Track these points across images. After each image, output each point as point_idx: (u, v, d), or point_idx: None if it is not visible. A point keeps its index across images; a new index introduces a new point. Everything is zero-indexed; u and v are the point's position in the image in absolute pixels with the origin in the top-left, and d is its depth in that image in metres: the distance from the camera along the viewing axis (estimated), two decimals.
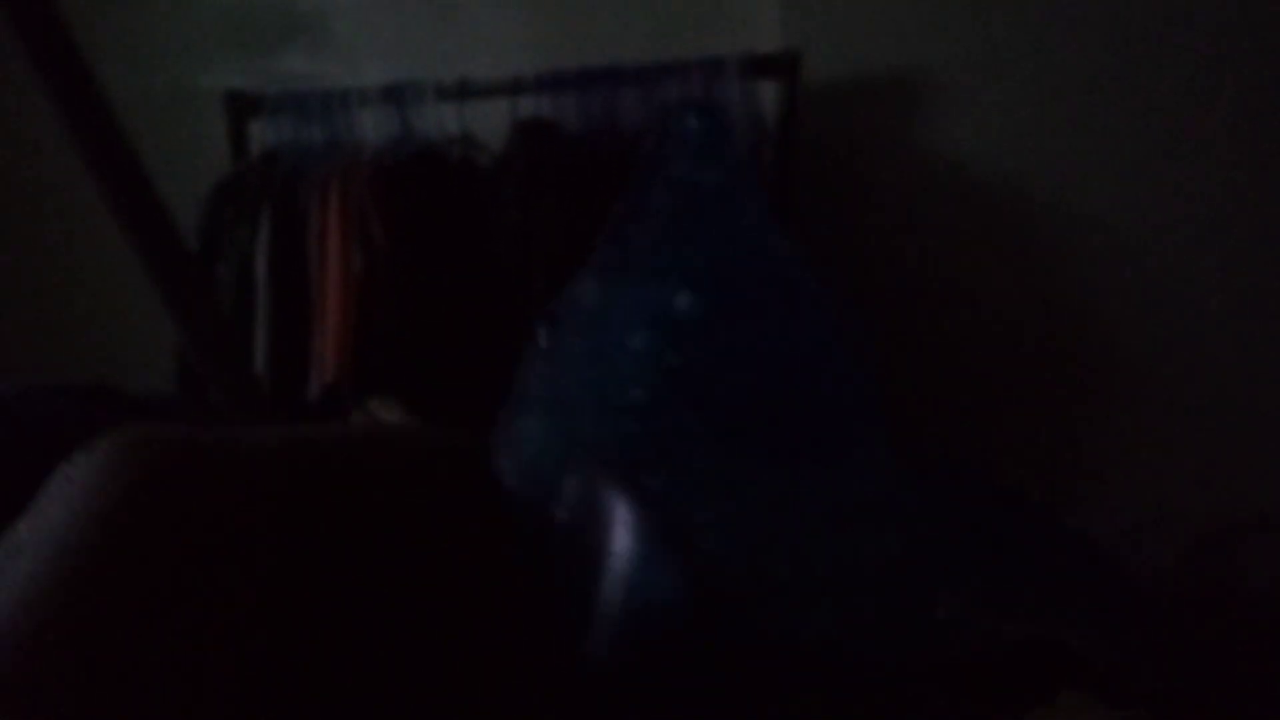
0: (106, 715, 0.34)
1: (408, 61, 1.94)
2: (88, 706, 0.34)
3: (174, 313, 0.98)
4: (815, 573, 0.54)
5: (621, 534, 0.51)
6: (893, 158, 1.73)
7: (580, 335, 0.68)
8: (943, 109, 1.70)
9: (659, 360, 0.59)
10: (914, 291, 1.73)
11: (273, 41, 2.07)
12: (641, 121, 1.67)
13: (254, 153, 1.88)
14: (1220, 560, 1.56)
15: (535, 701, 0.52)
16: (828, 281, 0.66)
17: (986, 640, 0.57)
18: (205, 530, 0.39)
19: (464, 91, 1.73)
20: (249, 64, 2.08)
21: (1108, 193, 1.69)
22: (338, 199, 1.69)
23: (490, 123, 1.74)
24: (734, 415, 0.58)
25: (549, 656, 0.53)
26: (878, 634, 0.55)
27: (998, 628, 0.59)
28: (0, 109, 1.96)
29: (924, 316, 1.74)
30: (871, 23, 1.69)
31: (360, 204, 1.67)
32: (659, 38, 1.79)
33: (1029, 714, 0.54)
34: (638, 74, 1.66)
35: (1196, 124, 1.63)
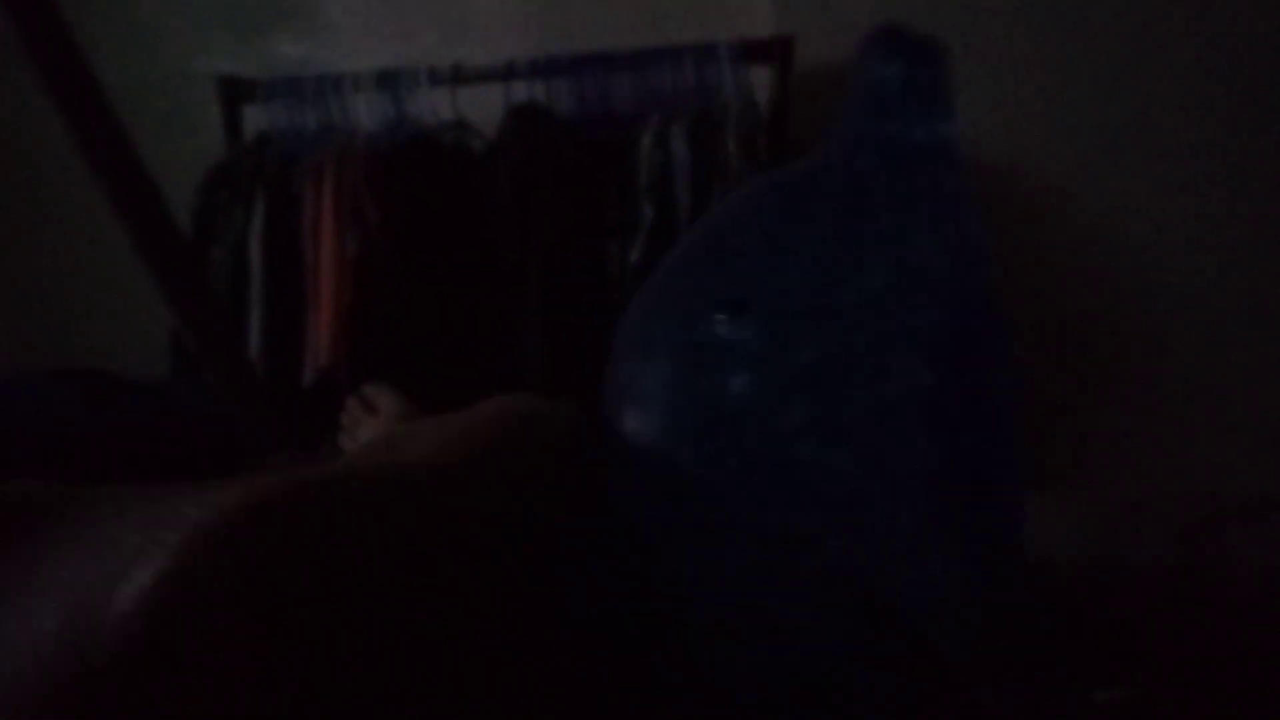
0: None
1: (401, 47, 1.94)
2: None
3: (168, 297, 0.99)
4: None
5: None
6: None
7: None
8: None
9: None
10: None
11: (267, 27, 2.07)
12: (634, 106, 1.67)
13: (248, 138, 1.88)
14: (1212, 544, 1.57)
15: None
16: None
17: None
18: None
19: (457, 77, 1.73)
20: (243, 49, 2.08)
21: (1103, 179, 1.70)
22: (332, 184, 1.69)
23: (484, 108, 1.74)
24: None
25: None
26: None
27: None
28: None
29: None
30: (864, 7, 1.68)
31: (354, 189, 1.67)
32: (652, 23, 1.79)
33: None
34: (630, 59, 1.66)
35: (1200, 113, 1.64)
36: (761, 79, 1.65)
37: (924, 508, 0.45)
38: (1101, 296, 1.73)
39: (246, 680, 0.30)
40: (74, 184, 0.97)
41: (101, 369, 0.61)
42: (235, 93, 1.89)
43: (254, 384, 1.12)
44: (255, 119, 1.88)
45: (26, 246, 2.29)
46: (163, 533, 0.32)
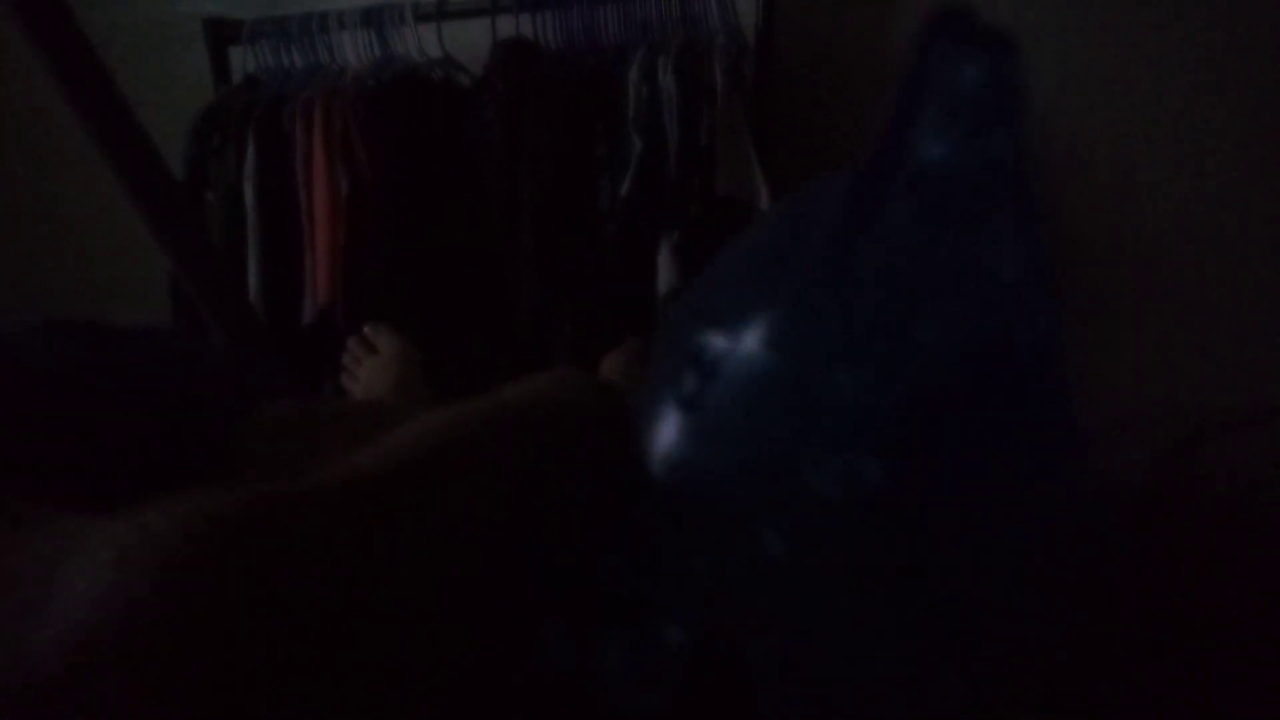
0: None
1: None
2: None
3: (164, 243, 1.00)
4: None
5: None
6: (872, 70, 1.73)
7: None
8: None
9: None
10: None
11: None
12: (621, 38, 1.67)
13: (236, 80, 1.88)
14: (1191, 461, 1.60)
15: None
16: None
17: None
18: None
19: (442, 13, 1.72)
20: None
21: (1092, 103, 1.69)
22: (321, 123, 1.69)
23: (470, 44, 1.74)
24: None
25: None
26: None
27: None
28: None
29: None
30: None
31: (344, 128, 1.68)
32: None
33: None
34: None
35: (1195, 42, 1.63)
36: (747, 7, 1.64)
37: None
38: (1083, 214, 1.74)
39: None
40: (63, 133, 0.98)
41: (97, 319, 0.61)
42: (221, 34, 1.88)
43: (255, 327, 1.13)
44: (242, 61, 1.88)
45: (18, 198, 2.30)
46: (86, 561, 0.28)
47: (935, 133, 0.41)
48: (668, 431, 0.46)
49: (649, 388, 0.50)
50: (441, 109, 1.71)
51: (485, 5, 1.69)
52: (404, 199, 1.66)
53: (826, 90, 1.74)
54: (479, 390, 0.50)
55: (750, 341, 0.43)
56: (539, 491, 0.44)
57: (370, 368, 1.34)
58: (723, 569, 0.44)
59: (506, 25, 1.70)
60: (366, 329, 1.43)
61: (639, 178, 1.55)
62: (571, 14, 1.68)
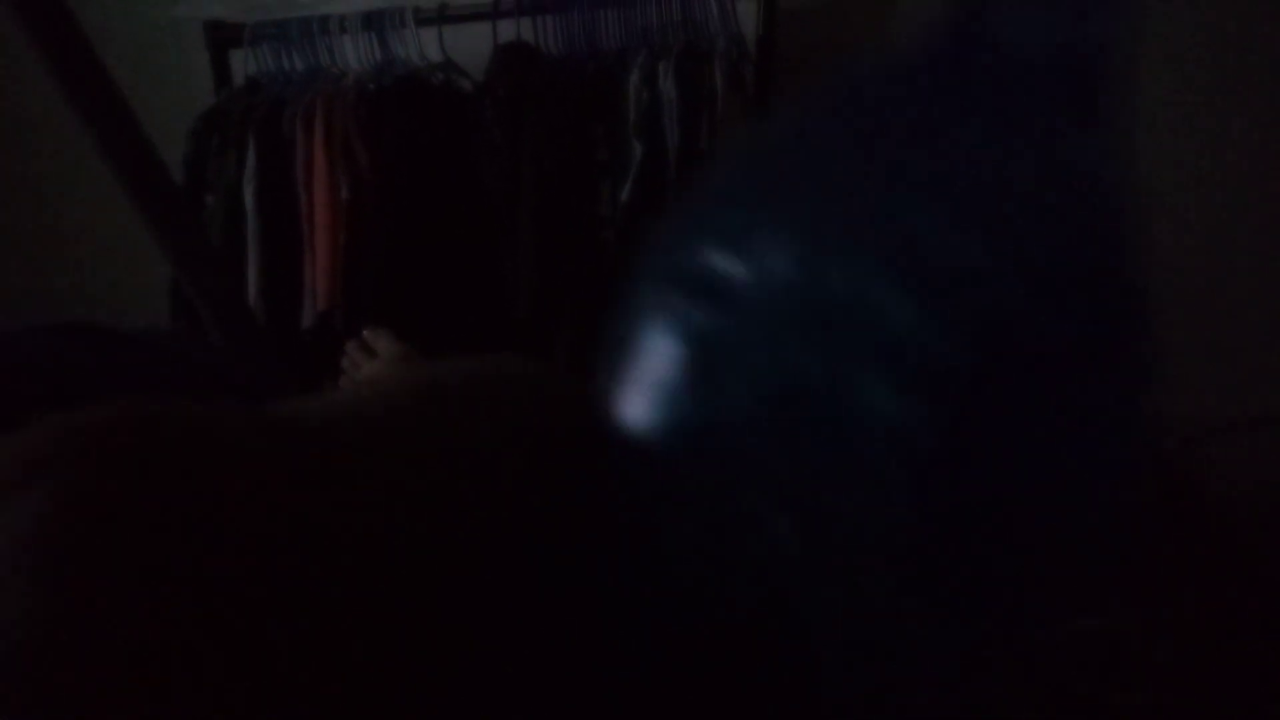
0: None
1: None
2: None
3: (164, 245, 0.99)
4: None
5: None
6: None
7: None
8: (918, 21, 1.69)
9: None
10: None
11: None
12: (621, 43, 1.67)
13: (236, 83, 1.88)
14: (1192, 462, 1.61)
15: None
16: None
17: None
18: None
19: (443, 16, 1.72)
20: None
21: None
22: (322, 127, 1.69)
23: (471, 48, 1.74)
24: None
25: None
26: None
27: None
28: None
29: None
30: None
31: (344, 132, 1.68)
32: None
33: None
34: None
35: (1172, 26, 1.63)
36: (747, 12, 1.64)
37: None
38: None
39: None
40: (65, 136, 0.98)
41: (99, 321, 0.61)
42: (222, 38, 1.89)
43: (254, 330, 1.13)
44: (243, 64, 1.88)
45: (19, 200, 2.30)
46: None
47: (1024, 11, 0.34)
48: (669, 379, 0.37)
49: (623, 345, 0.41)
50: (442, 113, 1.71)
51: (486, 9, 1.70)
52: (404, 203, 1.66)
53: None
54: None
55: (778, 260, 0.35)
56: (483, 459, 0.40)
57: (369, 372, 1.34)
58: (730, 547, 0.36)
59: (507, 29, 1.70)
60: (366, 332, 1.43)
61: (640, 182, 1.55)
62: (572, 18, 1.68)
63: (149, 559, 0.26)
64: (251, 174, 1.72)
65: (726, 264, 0.36)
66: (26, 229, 2.31)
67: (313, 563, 0.30)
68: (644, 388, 0.38)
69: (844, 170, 0.36)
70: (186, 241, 1.01)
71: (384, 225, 1.67)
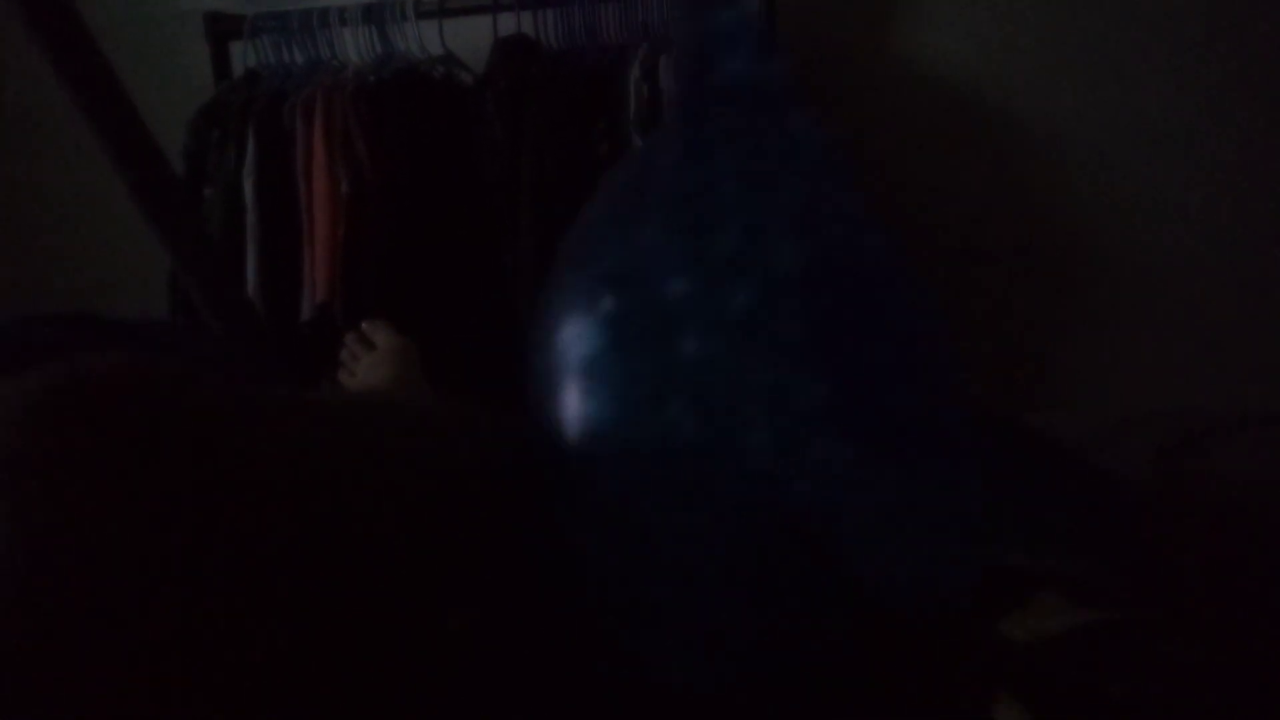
0: None
1: None
2: None
3: (163, 237, 0.99)
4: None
5: None
6: (870, 68, 1.73)
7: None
8: (921, 20, 1.69)
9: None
10: (891, 200, 1.75)
11: None
12: (621, 36, 1.67)
13: (236, 75, 1.88)
14: (1192, 462, 1.60)
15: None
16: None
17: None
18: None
19: (444, 10, 1.72)
20: None
21: (1092, 105, 1.70)
22: (322, 120, 1.69)
23: (471, 41, 1.74)
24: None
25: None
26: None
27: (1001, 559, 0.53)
28: None
29: (900, 224, 1.75)
30: None
31: (344, 124, 1.67)
32: None
33: (1004, 618, 0.52)
34: None
35: (1188, 36, 1.63)
36: (748, 6, 1.64)
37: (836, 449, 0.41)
38: (1087, 220, 1.74)
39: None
40: (66, 129, 0.98)
41: (93, 311, 0.61)
42: (222, 29, 1.88)
43: (253, 322, 1.13)
44: (243, 56, 1.87)
45: (18, 191, 2.29)
46: None
47: (702, 77, 0.51)
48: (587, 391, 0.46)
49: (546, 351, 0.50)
50: (442, 106, 1.70)
51: (487, 3, 1.70)
52: (404, 196, 1.66)
53: (827, 90, 1.74)
54: (477, 386, 0.49)
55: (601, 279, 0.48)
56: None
57: (368, 364, 1.33)
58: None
59: (508, 23, 1.70)
60: (364, 325, 1.43)
61: None
62: (573, 12, 1.68)
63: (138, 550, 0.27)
64: (251, 166, 1.72)
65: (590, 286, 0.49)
66: (25, 220, 2.30)
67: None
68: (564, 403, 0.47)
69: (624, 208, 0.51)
70: (186, 233, 1.01)
71: (383, 218, 1.66)
